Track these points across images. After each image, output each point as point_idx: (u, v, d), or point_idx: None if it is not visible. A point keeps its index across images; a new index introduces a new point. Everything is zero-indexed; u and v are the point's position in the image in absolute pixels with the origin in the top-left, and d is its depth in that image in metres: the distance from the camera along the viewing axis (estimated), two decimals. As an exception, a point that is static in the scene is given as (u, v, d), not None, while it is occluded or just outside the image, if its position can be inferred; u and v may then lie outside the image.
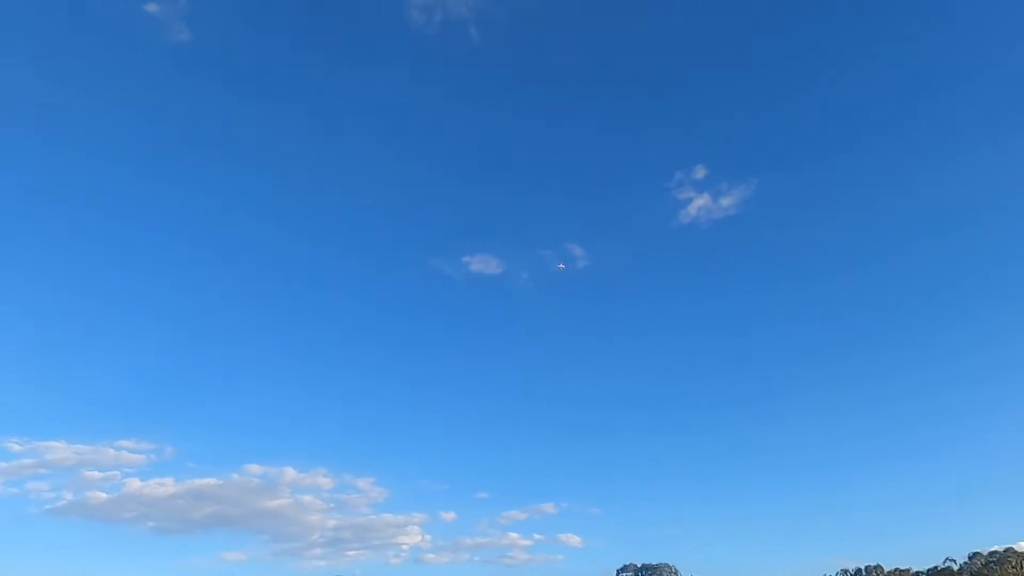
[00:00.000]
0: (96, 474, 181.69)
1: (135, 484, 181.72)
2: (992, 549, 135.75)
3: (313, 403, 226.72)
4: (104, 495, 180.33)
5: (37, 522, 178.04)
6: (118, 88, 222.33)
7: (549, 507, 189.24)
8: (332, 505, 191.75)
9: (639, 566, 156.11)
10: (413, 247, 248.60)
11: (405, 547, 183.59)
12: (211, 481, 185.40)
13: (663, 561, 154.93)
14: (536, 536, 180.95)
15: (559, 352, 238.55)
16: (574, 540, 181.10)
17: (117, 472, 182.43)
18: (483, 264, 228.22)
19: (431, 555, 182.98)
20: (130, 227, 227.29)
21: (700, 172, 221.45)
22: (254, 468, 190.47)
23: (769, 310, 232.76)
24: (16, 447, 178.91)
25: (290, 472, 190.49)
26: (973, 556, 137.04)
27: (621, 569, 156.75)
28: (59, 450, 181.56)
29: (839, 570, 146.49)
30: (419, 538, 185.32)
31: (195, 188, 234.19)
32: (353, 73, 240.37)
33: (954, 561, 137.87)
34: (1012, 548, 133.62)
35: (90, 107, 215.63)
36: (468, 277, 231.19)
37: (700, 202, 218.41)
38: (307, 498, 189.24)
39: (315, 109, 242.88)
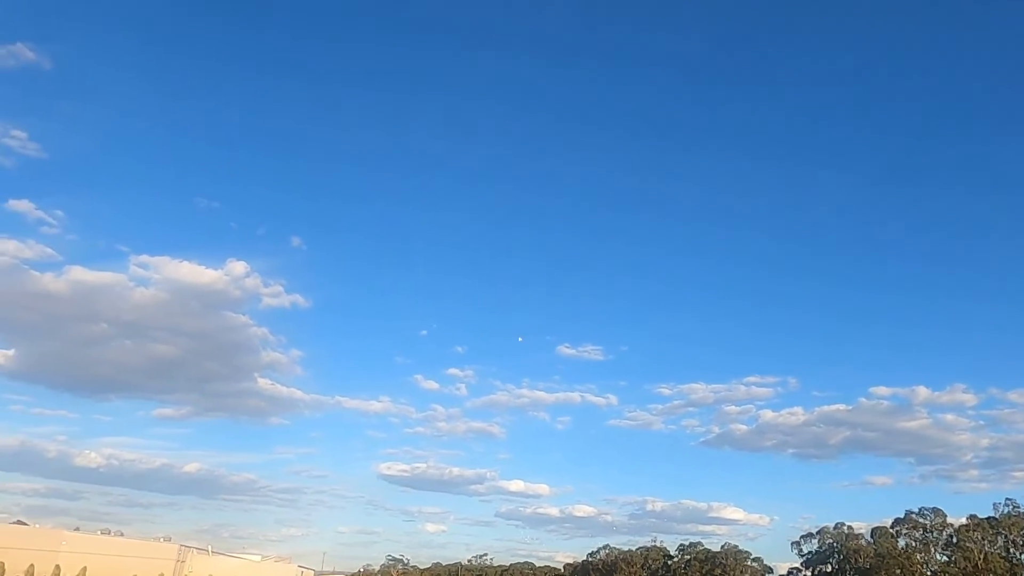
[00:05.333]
0: (734, 409, 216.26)
1: (768, 415, 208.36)
2: None
3: (945, 315, 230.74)
4: (744, 427, 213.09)
5: (694, 453, 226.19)
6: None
7: None
8: (981, 423, 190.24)
9: None
10: None
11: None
12: (839, 407, 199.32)
13: None
14: None
15: None
16: None
17: (751, 406, 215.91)
18: None
19: None
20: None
21: None
22: (881, 390, 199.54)
23: None
24: (666, 391, 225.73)
25: (923, 391, 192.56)
26: None
27: None
28: (699, 391, 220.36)
29: None
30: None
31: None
32: None
33: None
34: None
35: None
36: None
37: None
38: (949, 417, 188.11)
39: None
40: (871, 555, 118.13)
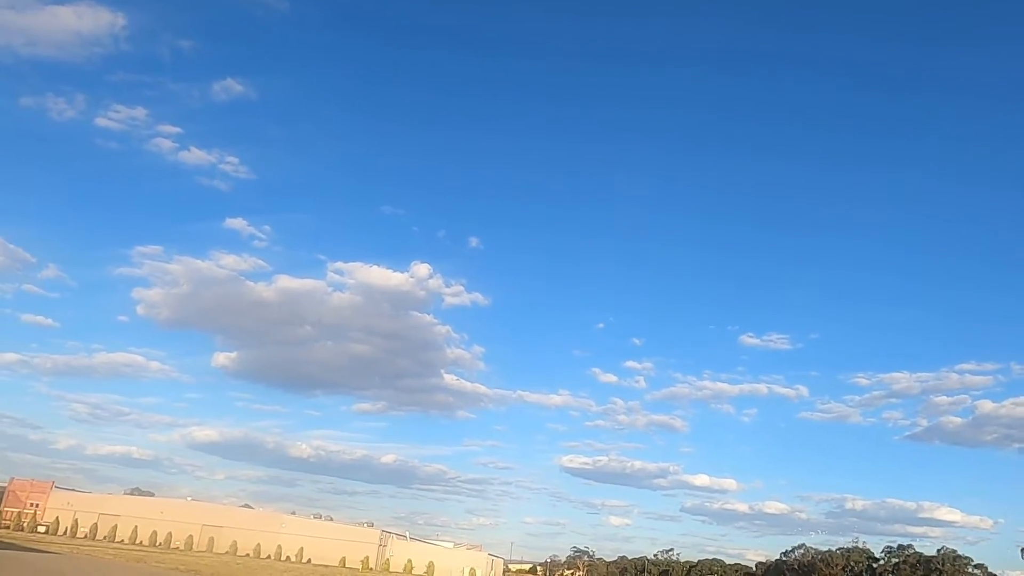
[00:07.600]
0: (944, 399, 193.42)
1: (987, 406, 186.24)
2: None
3: None
4: (958, 419, 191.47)
5: (898, 448, 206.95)
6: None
7: None
8: None
9: None
10: None
11: None
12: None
13: None
14: None
15: None
16: None
17: (965, 396, 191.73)
18: None
19: None
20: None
21: None
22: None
23: None
24: (864, 381, 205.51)
25: None
26: None
27: None
28: (902, 380, 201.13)
29: None
30: None
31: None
32: None
33: None
34: None
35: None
36: None
37: None
38: None
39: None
40: None
